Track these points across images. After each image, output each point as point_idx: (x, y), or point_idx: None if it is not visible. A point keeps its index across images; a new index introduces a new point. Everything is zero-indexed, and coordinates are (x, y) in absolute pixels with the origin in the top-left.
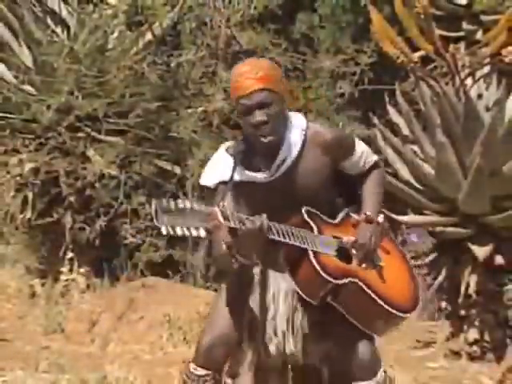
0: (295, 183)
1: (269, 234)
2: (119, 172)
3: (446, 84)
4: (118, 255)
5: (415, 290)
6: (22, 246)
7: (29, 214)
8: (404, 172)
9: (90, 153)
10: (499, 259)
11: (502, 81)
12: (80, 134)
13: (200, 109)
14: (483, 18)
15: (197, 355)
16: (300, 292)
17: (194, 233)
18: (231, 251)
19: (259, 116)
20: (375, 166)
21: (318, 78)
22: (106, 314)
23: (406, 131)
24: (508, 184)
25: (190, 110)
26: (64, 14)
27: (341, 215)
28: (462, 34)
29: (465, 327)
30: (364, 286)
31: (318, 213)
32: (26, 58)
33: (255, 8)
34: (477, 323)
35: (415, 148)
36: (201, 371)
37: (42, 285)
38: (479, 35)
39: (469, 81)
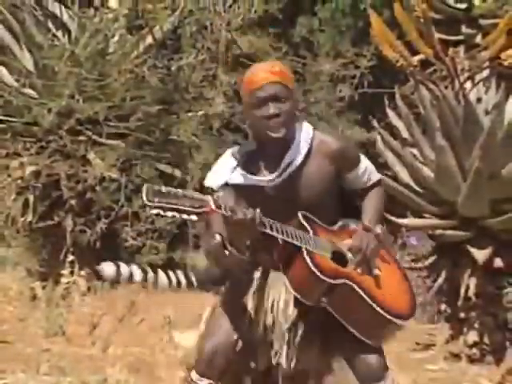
0: (298, 189)
1: (261, 227)
2: (120, 175)
3: (446, 87)
4: (119, 258)
5: (411, 301)
6: (23, 248)
7: (30, 217)
8: (403, 175)
9: (91, 156)
10: (498, 262)
11: (501, 84)
12: (81, 138)
13: (200, 112)
14: (482, 21)
15: (198, 364)
16: (294, 292)
17: (185, 216)
18: (223, 241)
19: (272, 108)
20: (378, 184)
21: (317, 82)
22: (106, 317)
23: (405, 134)
24: (507, 187)
25: (190, 114)
26: (65, 17)
27: (339, 224)
28: (461, 37)
29: (464, 330)
30: (359, 290)
31: (315, 218)
32: (27, 61)
33: (255, 12)
34: (476, 326)
35: (415, 151)
36: (203, 381)
37: (43, 287)
38: (478, 39)
39: (468, 84)
